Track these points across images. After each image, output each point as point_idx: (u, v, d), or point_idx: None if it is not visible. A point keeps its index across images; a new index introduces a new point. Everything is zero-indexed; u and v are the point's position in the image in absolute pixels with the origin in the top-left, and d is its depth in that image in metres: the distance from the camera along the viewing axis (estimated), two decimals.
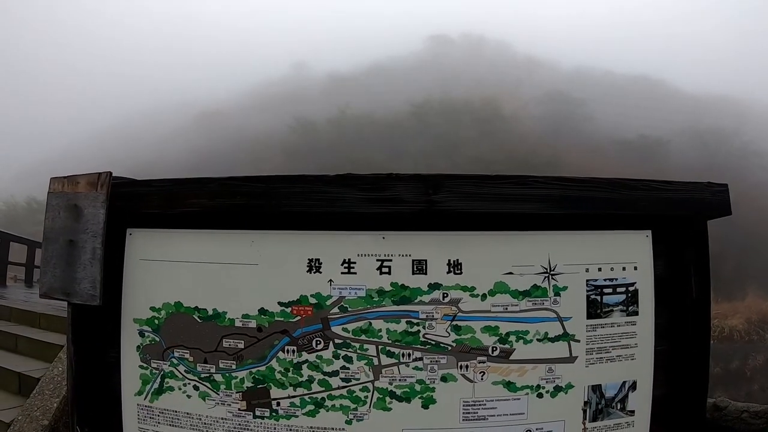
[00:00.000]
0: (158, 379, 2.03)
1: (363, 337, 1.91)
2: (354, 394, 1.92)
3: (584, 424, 1.96)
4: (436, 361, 1.91)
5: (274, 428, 1.95)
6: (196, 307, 2.00)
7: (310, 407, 1.93)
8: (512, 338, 1.91)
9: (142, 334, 2.04)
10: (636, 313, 2.01)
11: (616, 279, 2.00)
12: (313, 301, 1.93)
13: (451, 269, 1.92)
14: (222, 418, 1.98)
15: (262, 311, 1.95)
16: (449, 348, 1.91)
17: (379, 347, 1.91)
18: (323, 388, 1.93)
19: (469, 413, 1.91)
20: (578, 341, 1.95)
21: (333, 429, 1.92)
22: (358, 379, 1.92)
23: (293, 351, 1.94)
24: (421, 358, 1.91)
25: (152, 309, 2.03)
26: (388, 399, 1.91)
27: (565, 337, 1.94)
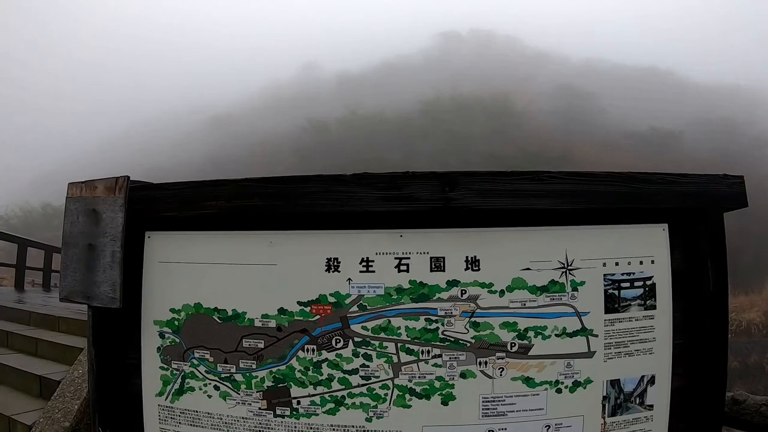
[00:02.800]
0: (179, 380, 2.05)
1: (382, 335, 1.92)
2: (374, 392, 1.92)
3: (603, 418, 1.96)
4: (455, 358, 1.91)
5: (295, 427, 1.96)
6: (216, 307, 2.01)
7: (331, 405, 1.94)
8: (530, 334, 1.91)
9: (162, 335, 2.06)
10: (654, 307, 2.00)
11: (634, 273, 1.99)
12: (332, 299, 1.94)
13: (469, 266, 1.92)
14: (243, 418, 1.99)
15: (282, 311, 1.96)
16: (468, 344, 1.91)
17: (399, 345, 1.92)
18: (343, 387, 1.93)
19: (488, 409, 1.91)
20: (596, 336, 1.95)
21: (353, 427, 1.93)
22: (377, 377, 1.92)
23: (313, 350, 1.95)
24: (440, 355, 1.91)
25: (172, 311, 2.05)
26: (407, 396, 1.91)
27: (583, 332, 1.94)
